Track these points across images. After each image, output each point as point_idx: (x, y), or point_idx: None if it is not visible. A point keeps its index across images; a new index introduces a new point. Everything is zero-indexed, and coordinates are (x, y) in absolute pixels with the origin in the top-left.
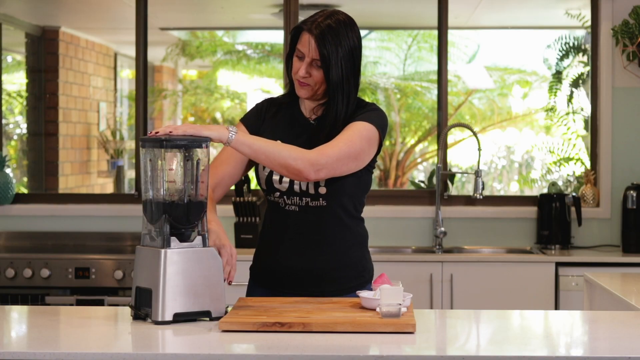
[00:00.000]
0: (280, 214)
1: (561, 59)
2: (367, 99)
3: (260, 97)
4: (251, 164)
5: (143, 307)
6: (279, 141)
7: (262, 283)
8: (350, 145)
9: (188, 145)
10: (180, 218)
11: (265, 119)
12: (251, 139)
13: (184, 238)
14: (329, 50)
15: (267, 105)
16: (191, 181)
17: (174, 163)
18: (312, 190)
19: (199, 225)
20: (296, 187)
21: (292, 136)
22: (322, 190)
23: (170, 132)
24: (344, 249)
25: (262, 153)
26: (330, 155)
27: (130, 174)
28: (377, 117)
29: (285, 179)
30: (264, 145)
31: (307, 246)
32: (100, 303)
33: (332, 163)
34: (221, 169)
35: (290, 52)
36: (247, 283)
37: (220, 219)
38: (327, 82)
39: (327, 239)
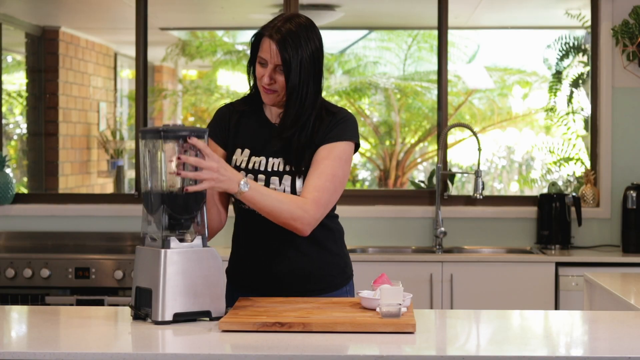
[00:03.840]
0: (255, 217)
1: (561, 59)
2: (367, 99)
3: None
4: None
5: (143, 307)
6: (278, 191)
7: (242, 286)
8: (336, 180)
9: (187, 136)
10: (179, 208)
11: (230, 127)
12: (259, 196)
13: (182, 229)
14: (290, 54)
15: (228, 113)
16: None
17: (173, 154)
18: (288, 192)
19: (197, 216)
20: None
21: (261, 141)
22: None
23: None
24: (324, 247)
25: (265, 210)
26: (324, 204)
27: (130, 174)
28: (350, 129)
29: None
30: (270, 204)
31: (288, 247)
32: (100, 303)
33: (326, 207)
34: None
35: (252, 58)
36: None
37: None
38: (286, 85)
39: (307, 239)
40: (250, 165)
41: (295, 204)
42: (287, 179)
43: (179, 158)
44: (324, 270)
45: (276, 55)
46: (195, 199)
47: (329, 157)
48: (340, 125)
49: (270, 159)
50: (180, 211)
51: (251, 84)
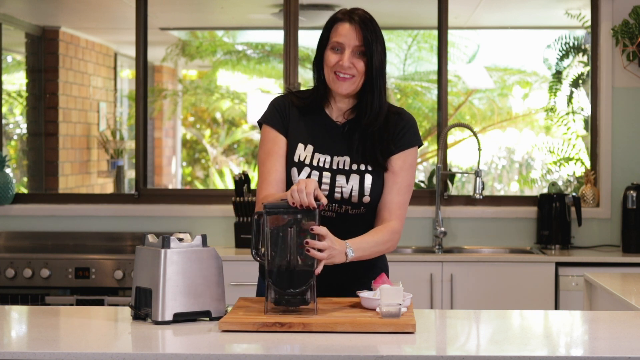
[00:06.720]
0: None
1: (561, 59)
2: None
3: (260, 97)
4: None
5: (143, 307)
6: (370, 233)
7: None
8: (411, 189)
9: (284, 212)
10: (283, 284)
11: (290, 120)
12: (361, 252)
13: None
14: (370, 37)
15: (287, 106)
16: (292, 250)
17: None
18: (355, 200)
19: (307, 294)
20: (337, 195)
21: (328, 141)
22: (366, 199)
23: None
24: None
25: (368, 258)
26: (405, 216)
27: (130, 174)
28: (417, 133)
29: (325, 186)
30: (372, 252)
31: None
32: (100, 303)
33: (405, 216)
34: (269, 166)
35: (319, 51)
36: (249, 283)
37: (220, 219)
38: (369, 69)
39: None
40: (314, 162)
41: (388, 235)
42: (354, 178)
43: (307, 242)
44: (369, 271)
45: (357, 37)
46: (300, 276)
47: (404, 167)
48: (410, 131)
49: (336, 157)
50: (283, 286)
51: (316, 78)
